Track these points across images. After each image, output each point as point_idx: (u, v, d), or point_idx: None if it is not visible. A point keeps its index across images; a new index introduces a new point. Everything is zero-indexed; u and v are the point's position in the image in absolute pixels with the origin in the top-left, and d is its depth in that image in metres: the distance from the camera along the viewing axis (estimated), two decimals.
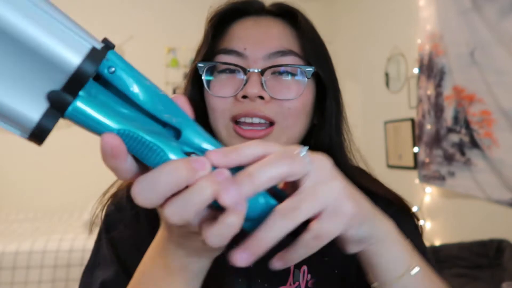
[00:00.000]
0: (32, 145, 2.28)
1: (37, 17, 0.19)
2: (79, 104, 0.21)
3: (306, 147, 0.26)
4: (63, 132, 2.46)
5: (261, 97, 0.43)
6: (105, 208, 0.48)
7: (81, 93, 0.21)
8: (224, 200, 0.22)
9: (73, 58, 0.20)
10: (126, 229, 0.46)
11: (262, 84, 0.44)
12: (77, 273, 1.73)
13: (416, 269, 0.31)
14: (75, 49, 0.20)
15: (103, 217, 0.48)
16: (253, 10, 0.49)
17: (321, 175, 0.26)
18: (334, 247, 0.43)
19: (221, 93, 0.45)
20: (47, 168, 2.49)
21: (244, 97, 0.44)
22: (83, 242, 1.82)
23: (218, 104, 0.45)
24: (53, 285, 1.72)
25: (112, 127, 0.22)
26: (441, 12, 1.74)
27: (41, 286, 1.71)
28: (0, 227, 2.12)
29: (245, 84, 0.44)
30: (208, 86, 0.46)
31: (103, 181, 0.54)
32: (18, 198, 2.47)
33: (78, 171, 2.49)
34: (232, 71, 0.45)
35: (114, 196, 0.49)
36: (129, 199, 0.47)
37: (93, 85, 0.22)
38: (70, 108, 0.21)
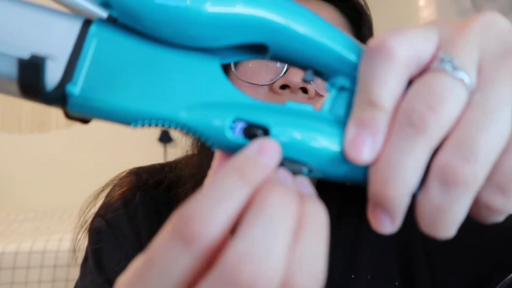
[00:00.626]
0: (32, 145, 2.27)
1: None
2: (77, 94, 0.15)
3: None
4: (63, 132, 2.46)
5: (304, 91, 0.36)
6: (94, 220, 0.42)
7: (77, 76, 0.15)
8: None
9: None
10: (128, 261, 0.37)
11: None
12: (77, 273, 1.73)
13: None
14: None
15: (89, 230, 0.42)
16: None
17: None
18: (365, 260, 0.40)
19: (254, 79, 0.36)
20: (47, 168, 2.49)
21: (283, 87, 0.36)
22: (84, 241, 1.81)
23: (248, 94, 0.35)
24: (53, 285, 1.72)
25: (129, 120, 0.15)
26: (441, 12, 1.74)
27: (41, 286, 1.71)
28: (0, 227, 2.11)
29: (285, 72, 0.36)
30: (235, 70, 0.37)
31: (103, 181, 0.53)
32: (18, 198, 2.46)
33: (78, 171, 2.49)
34: None
35: (105, 207, 0.42)
36: (129, 215, 0.41)
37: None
38: (71, 102, 0.15)
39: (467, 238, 0.36)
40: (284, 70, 0.36)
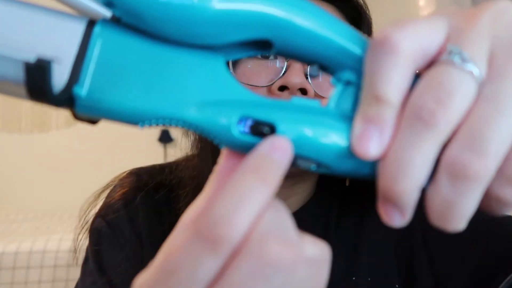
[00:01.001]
0: (32, 145, 2.27)
1: None
2: (84, 95, 0.15)
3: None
4: (63, 132, 2.46)
5: (303, 92, 0.36)
6: (94, 220, 0.42)
7: (83, 79, 0.15)
8: None
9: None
10: (128, 263, 0.39)
11: (306, 76, 0.36)
12: (77, 273, 1.72)
13: None
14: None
15: (89, 230, 0.42)
16: None
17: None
18: (365, 261, 0.39)
19: (253, 81, 0.36)
20: (47, 168, 2.49)
21: (282, 89, 0.36)
22: (85, 242, 1.81)
23: None
24: (53, 285, 1.72)
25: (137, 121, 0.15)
26: None
27: (41, 286, 1.71)
28: (0, 227, 2.12)
29: (284, 73, 0.36)
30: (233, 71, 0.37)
31: (103, 181, 0.53)
32: (18, 198, 2.46)
33: (78, 171, 2.49)
34: (265, 57, 0.36)
35: (106, 208, 0.42)
36: (129, 216, 0.41)
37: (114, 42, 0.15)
38: (77, 103, 0.15)
39: (469, 239, 0.36)
40: (283, 71, 0.36)
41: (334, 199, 0.43)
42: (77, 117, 0.16)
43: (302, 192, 0.43)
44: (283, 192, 0.41)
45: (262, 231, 0.14)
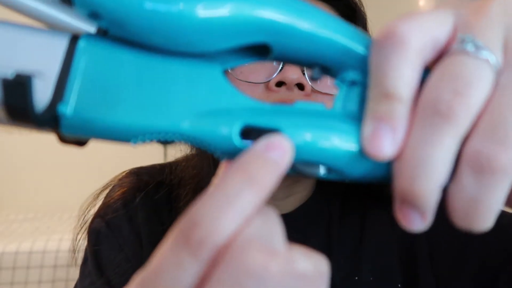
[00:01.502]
0: (31, 145, 2.27)
1: None
2: (69, 114, 0.14)
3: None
4: None
5: (301, 87, 0.36)
6: (93, 220, 0.42)
7: (67, 98, 0.14)
8: None
9: None
10: (128, 263, 0.39)
11: (302, 72, 0.36)
12: (77, 273, 1.72)
13: None
14: None
15: (88, 231, 0.42)
16: None
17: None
18: (367, 261, 0.39)
19: (251, 78, 0.37)
20: (47, 168, 2.48)
21: (279, 84, 0.36)
22: (83, 242, 1.81)
23: (245, 93, 0.33)
24: (53, 285, 1.72)
25: (128, 138, 0.15)
26: None
27: (41, 286, 1.71)
28: (0, 227, 2.12)
29: (281, 69, 0.36)
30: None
31: (103, 181, 0.53)
32: (18, 198, 2.46)
33: (78, 171, 2.49)
34: None
35: (105, 208, 0.42)
36: (128, 216, 0.41)
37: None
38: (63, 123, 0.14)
39: (471, 239, 0.36)
40: (280, 67, 0.36)
41: (335, 197, 0.43)
42: (63, 139, 0.15)
43: (303, 191, 0.43)
44: (283, 191, 0.41)
45: (245, 238, 0.13)
